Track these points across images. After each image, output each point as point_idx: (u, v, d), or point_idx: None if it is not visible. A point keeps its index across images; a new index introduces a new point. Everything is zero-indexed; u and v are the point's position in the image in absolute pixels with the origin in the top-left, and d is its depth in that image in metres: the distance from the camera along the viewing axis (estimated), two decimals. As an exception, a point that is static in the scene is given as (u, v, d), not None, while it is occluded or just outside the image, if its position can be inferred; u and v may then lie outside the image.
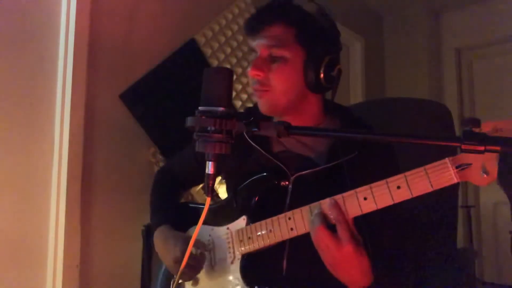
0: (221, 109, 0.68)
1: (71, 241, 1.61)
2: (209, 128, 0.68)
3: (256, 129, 0.71)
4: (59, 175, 1.62)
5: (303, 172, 1.01)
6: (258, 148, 1.07)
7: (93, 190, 1.73)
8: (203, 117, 0.68)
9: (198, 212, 1.23)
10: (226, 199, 1.14)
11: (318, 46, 1.00)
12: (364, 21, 3.73)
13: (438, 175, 0.78)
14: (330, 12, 1.05)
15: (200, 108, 0.69)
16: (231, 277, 1.02)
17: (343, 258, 0.83)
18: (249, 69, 1.02)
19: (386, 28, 3.97)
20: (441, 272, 1.21)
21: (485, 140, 0.62)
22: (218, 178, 1.82)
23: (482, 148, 0.62)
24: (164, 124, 1.99)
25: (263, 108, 1.04)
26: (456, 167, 0.77)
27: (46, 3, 1.66)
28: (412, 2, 3.70)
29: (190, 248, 0.79)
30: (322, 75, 0.99)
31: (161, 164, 1.91)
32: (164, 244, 1.13)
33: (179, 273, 0.86)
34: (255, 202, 1.02)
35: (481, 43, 3.69)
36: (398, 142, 0.70)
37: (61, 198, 1.61)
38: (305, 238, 0.93)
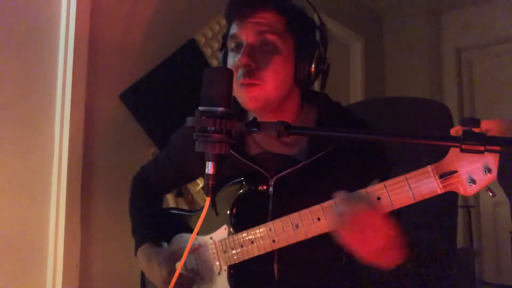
0: (221, 109, 0.68)
1: (71, 241, 1.61)
2: (209, 128, 0.67)
3: (256, 129, 0.71)
4: (59, 175, 1.62)
5: (283, 173, 0.95)
6: (233, 153, 0.98)
7: (93, 190, 1.73)
8: (203, 117, 0.67)
9: (181, 218, 1.20)
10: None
11: (309, 39, 0.95)
12: (364, 21, 3.73)
13: (421, 186, 0.75)
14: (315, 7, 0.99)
15: (200, 108, 0.69)
16: None
17: (388, 228, 0.76)
18: (236, 58, 0.91)
19: (386, 28, 3.97)
20: (441, 272, 1.21)
21: (485, 140, 0.61)
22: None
23: (482, 148, 0.61)
24: (164, 124, 1.99)
25: (250, 104, 0.93)
26: (440, 176, 0.74)
27: (46, 3, 1.66)
28: (412, 2, 3.70)
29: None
30: (313, 69, 0.93)
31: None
32: (148, 265, 1.09)
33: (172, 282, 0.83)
34: (233, 213, 0.98)
35: (481, 43, 3.68)
36: (397, 142, 0.69)
37: (61, 198, 1.60)
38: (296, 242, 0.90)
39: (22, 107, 1.57)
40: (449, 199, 1.28)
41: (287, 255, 0.95)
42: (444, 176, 0.74)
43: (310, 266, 0.97)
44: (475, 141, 0.61)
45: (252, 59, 0.90)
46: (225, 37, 0.99)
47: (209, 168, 0.70)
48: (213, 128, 0.67)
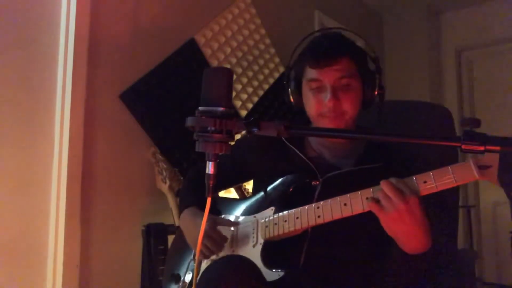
0: (221, 109, 0.68)
1: (71, 241, 1.61)
2: (209, 128, 0.68)
3: (256, 129, 0.71)
4: (59, 175, 1.62)
5: (332, 173, 1.10)
6: (295, 150, 1.15)
7: (93, 190, 1.73)
8: (203, 117, 0.68)
9: (227, 202, 1.30)
10: (256, 195, 1.20)
11: (371, 74, 1.14)
12: (364, 21, 3.73)
13: (462, 172, 0.80)
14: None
15: (200, 108, 0.69)
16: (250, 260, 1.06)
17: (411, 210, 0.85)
18: (321, 98, 1.09)
19: (386, 28, 3.97)
20: (442, 273, 1.21)
21: (485, 140, 0.62)
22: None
23: (482, 148, 0.62)
24: (164, 124, 1.99)
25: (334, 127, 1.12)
26: (478, 167, 0.78)
27: (46, 3, 1.66)
28: (412, 2, 3.70)
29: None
30: (376, 93, 1.14)
31: (161, 164, 1.91)
32: (192, 219, 1.18)
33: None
34: (288, 193, 1.10)
35: (481, 43, 3.68)
36: (399, 142, 0.70)
37: (61, 198, 1.61)
38: (327, 237, 1.02)
39: (22, 106, 1.57)
40: (450, 199, 1.28)
41: (316, 249, 1.05)
42: (481, 167, 0.78)
43: (334, 264, 1.05)
44: (475, 141, 0.62)
45: (337, 99, 1.08)
46: (299, 76, 1.15)
47: (209, 168, 0.70)
48: (213, 128, 0.67)
